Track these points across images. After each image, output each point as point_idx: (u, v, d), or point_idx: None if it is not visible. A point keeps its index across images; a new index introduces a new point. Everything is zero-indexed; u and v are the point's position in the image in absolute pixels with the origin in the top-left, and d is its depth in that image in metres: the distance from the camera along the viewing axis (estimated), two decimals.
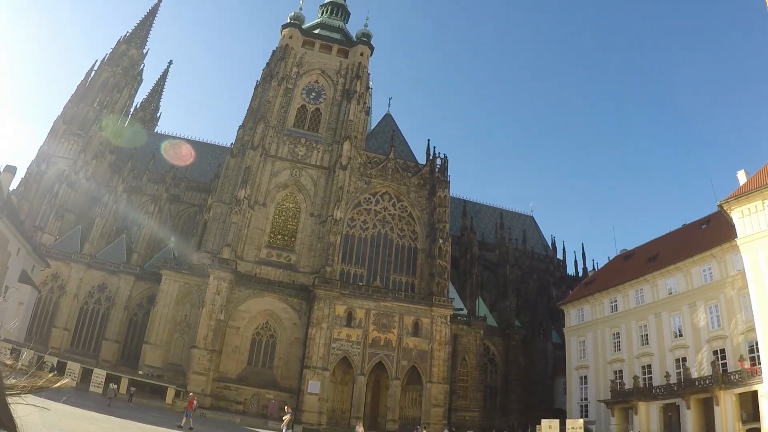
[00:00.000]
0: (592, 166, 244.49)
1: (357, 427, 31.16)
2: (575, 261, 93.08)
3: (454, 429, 56.04)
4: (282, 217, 67.05)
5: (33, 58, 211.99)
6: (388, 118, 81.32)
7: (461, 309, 67.02)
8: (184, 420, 27.18)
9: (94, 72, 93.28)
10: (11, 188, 59.68)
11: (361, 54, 77.83)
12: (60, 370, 47.98)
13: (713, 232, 48.18)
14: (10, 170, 53.12)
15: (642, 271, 53.85)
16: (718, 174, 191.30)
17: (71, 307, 64.44)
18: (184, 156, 79.10)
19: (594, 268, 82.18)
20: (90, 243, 69.76)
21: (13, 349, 47.13)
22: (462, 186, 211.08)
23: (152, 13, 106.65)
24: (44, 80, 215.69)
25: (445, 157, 71.06)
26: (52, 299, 65.14)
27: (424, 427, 53.97)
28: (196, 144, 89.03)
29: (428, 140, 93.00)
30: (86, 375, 49.11)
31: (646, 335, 50.96)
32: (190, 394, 32.16)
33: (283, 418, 22.91)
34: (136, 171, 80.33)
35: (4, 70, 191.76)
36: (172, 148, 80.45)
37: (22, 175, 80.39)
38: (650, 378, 48.85)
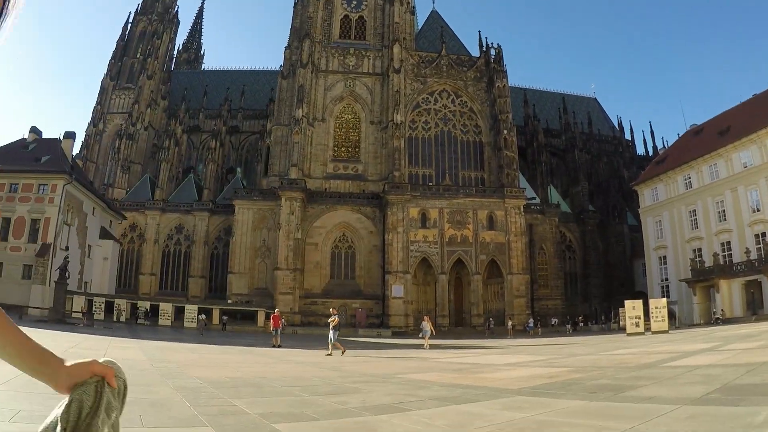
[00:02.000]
0: (653, 40, 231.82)
1: (423, 322, 28.93)
2: (644, 141, 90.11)
3: (538, 318, 56.26)
4: (343, 130, 66.66)
5: (68, 26, 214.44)
6: (434, 15, 78.07)
7: (533, 198, 66.03)
8: (277, 339, 26.23)
9: (130, 24, 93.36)
10: (74, 153, 61.56)
11: None
12: (154, 312, 50.44)
13: None
14: (70, 136, 54.80)
15: (714, 145, 51.27)
16: None
17: (153, 253, 67.29)
18: None
19: (664, 146, 79.09)
20: (160, 188, 71.91)
21: (107, 301, 49.63)
22: (519, 74, 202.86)
23: None
24: (85, 44, 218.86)
25: (499, 46, 68.22)
26: (134, 249, 68.08)
27: (510, 318, 54.42)
28: (244, 73, 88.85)
29: (479, 32, 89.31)
30: (179, 313, 51.22)
31: (723, 211, 49.15)
32: (275, 311, 30.19)
33: (330, 321, 22.29)
34: (191, 111, 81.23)
35: (45, 46, 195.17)
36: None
37: (82, 139, 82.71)
38: (730, 255, 47.46)
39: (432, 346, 26.64)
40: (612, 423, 5.79)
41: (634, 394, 7.96)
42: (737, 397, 7.02)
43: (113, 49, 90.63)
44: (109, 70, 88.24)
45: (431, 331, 28.85)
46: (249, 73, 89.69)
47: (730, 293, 44.99)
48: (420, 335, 28.86)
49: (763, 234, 44.21)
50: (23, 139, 52.64)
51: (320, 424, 6.21)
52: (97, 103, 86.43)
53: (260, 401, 7.88)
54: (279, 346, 25.16)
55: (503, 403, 7.80)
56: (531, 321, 53.68)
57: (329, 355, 20.30)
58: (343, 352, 20.68)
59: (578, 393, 8.49)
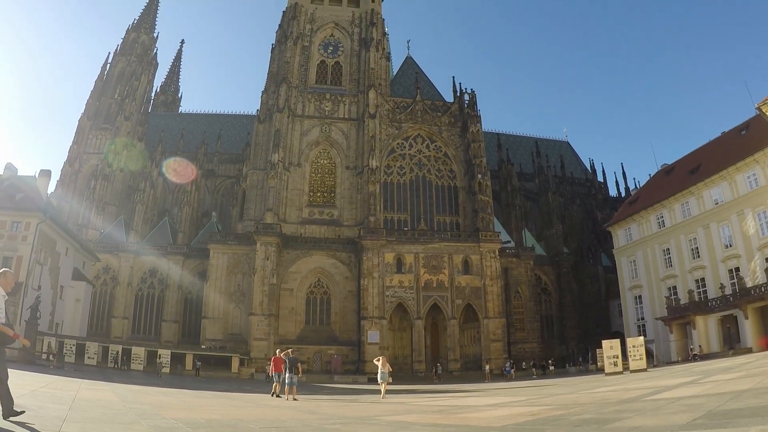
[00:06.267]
0: (622, 83, 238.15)
1: (378, 363, 23.58)
2: (616, 182, 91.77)
3: (512, 362, 56.06)
4: (318, 175, 66.89)
5: (47, 64, 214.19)
6: (409, 61, 79.82)
7: (508, 242, 66.64)
8: (279, 386, 21.71)
9: (109, 64, 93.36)
10: (49, 191, 60.78)
11: (373, 0, 75.89)
12: (126, 356, 49.46)
13: (754, 136, 46.21)
14: (46, 174, 53.94)
15: (685, 183, 52.21)
16: (753, 78, 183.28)
17: (126, 296, 66.02)
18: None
19: (636, 187, 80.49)
20: (134, 231, 71.08)
21: (78, 344, 48.55)
22: (492, 120, 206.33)
23: None
24: (63, 82, 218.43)
25: (473, 91, 69.58)
26: (107, 291, 66.70)
27: (487, 362, 54.29)
28: (221, 117, 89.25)
29: (453, 77, 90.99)
30: (151, 357, 50.25)
31: (697, 248, 49.61)
32: (277, 351, 24.77)
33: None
34: (168, 153, 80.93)
35: (22, 81, 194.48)
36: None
37: (57, 177, 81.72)
38: (705, 291, 47.80)
39: (407, 392, 25.24)
40: None
41: (619, 425, 7.95)
42: (724, 420, 7.02)
43: (91, 88, 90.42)
44: (87, 109, 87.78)
45: (389, 374, 23.22)
46: (226, 117, 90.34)
47: (706, 329, 45.10)
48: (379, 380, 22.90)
49: (737, 269, 44.53)
50: None
51: None
52: (74, 143, 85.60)
53: None
54: (279, 396, 21.18)
55: None
56: (508, 365, 53.44)
57: (295, 399, 19.79)
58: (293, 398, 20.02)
59: (563, 427, 8.47)
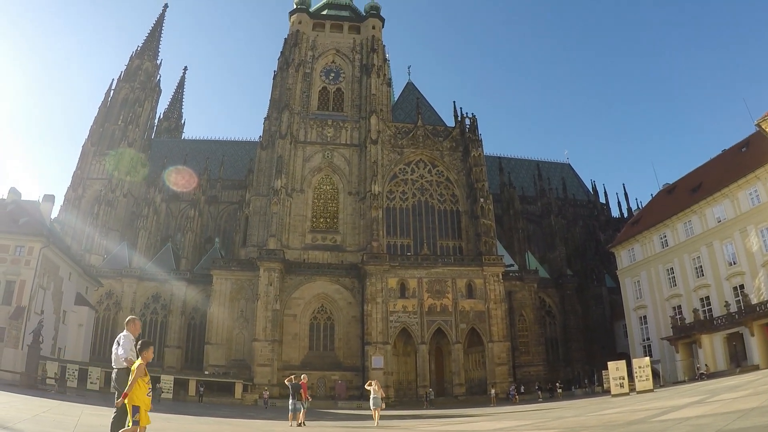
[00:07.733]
0: (622, 104, 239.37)
1: (370, 388, 22.71)
2: (618, 203, 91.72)
3: (515, 386, 55.63)
4: (321, 200, 67.45)
5: (51, 90, 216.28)
6: (410, 87, 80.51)
7: (512, 265, 66.62)
8: (301, 414, 20.53)
9: (112, 91, 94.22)
10: (53, 216, 60.99)
11: (373, 27, 77.13)
12: None
13: (754, 153, 46.30)
14: (49, 199, 54.10)
15: (687, 202, 52.15)
16: (752, 95, 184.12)
17: None
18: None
19: (638, 207, 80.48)
20: (138, 256, 71.05)
21: (81, 369, 48.44)
22: (494, 143, 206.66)
23: (159, 23, 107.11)
24: (68, 108, 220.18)
25: (474, 116, 70.37)
26: (110, 316, 66.53)
27: (492, 386, 53.90)
28: (224, 143, 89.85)
29: (453, 102, 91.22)
30: (154, 383, 49.96)
31: (701, 267, 49.43)
32: (302, 377, 23.10)
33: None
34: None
35: (27, 107, 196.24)
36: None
37: (61, 203, 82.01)
38: (710, 309, 47.56)
39: (412, 416, 24.96)
40: None
41: None
42: None
43: (95, 114, 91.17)
44: (91, 135, 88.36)
45: (381, 399, 22.14)
46: (229, 143, 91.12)
47: (712, 348, 44.74)
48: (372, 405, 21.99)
49: (741, 286, 44.29)
50: (2, 200, 51.98)
51: None
52: (77, 168, 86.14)
53: None
54: (302, 424, 20.20)
55: None
56: (513, 388, 53.12)
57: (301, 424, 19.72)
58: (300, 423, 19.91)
59: None
